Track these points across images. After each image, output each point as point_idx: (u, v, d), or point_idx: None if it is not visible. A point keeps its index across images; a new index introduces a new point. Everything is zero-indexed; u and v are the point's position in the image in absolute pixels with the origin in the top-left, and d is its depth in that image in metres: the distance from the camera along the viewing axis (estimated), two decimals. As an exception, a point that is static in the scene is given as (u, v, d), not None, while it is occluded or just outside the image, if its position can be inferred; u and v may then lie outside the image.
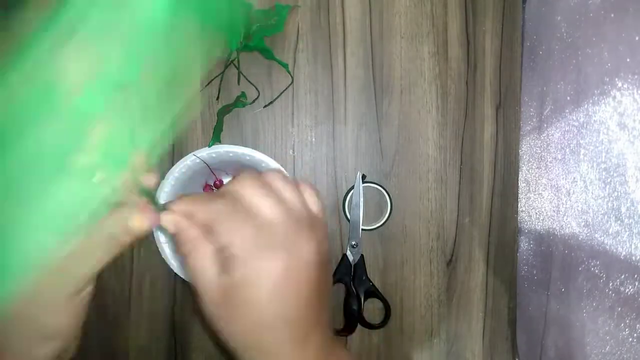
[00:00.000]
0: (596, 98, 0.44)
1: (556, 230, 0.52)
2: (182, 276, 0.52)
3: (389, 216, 0.58)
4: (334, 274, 0.58)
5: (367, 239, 0.59)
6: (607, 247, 0.42)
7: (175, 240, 0.29)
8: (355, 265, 0.57)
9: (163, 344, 0.59)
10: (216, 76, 0.57)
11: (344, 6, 0.58)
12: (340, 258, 0.58)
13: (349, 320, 0.58)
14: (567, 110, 0.49)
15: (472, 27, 0.59)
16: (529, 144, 0.59)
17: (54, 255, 0.27)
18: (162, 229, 0.30)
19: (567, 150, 0.50)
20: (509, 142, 0.60)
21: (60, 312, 0.29)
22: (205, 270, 0.28)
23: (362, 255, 0.58)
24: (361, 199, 0.56)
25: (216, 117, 0.56)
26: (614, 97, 0.41)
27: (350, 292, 0.58)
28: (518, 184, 0.61)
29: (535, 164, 0.58)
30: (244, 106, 0.57)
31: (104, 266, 0.29)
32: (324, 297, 0.31)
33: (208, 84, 0.57)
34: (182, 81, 0.31)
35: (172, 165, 0.52)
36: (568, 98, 0.49)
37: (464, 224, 0.60)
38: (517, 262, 0.61)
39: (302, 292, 0.29)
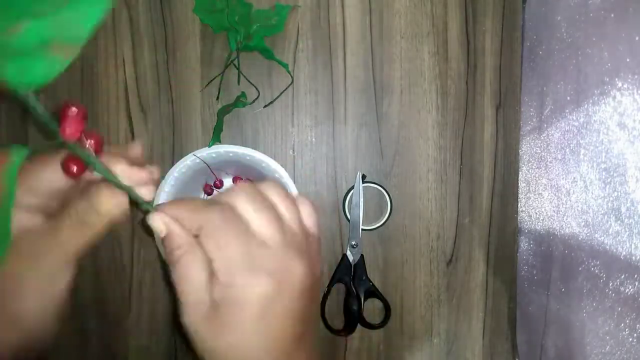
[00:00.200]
0: (596, 98, 0.44)
1: (556, 230, 0.52)
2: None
3: (389, 216, 0.58)
4: (334, 274, 0.58)
5: (367, 239, 0.59)
6: (607, 247, 0.42)
7: (164, 244, 0.27)
8: (355, 265, 0.57)
9: (163, 344, 0.59)
10: (216, 76, 0.57)
11: (344, 6, 0.58)
12: (340, 258, 0.58)
13: (349, 320, 0.58)
14: (567, 110, 0.49)
15: (472, 27, 0.59)
16: (529, 144, 0.59)
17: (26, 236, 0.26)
18: (149, 230, 0.27)
19: (567, 150, 0.50)
20: (509, 142, 0.60)
21: (32, 299, 0.28)
22: (195, 279, 0.27)
23: (362, 255, 0.58)
24: (361, 199, 0.56)
25: (216, 117, 0.56)
26: (614, 97, 0.41)
27: (350, 292, 0.58)
28: (518, 184, 0.61)
29: (535, 164, 0.58)
30: (244, 106, 0.57)
31: (79, 254, 0.27)
32: (310, 319, 0.30)
33: (208, 84, 0.57)
34: None
35: (172, 165, 0.52)
36: (568, 98, 0.49)
37: (464, 224, 0.60)
38: (517, 262, 0.61)
39: (289, 317, 0.28)
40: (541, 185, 0.56)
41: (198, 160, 0.51)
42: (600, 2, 0.43)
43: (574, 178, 0.48)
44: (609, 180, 0.42)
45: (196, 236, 0.27)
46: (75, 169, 0.26)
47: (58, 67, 0.21)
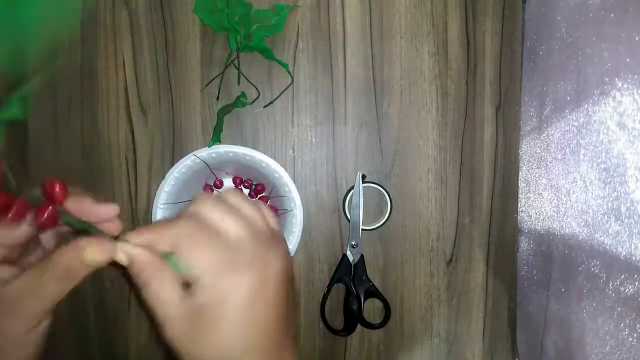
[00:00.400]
0: (596, 98, 0.44)
1: (556, 230, 0.52)
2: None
3: (389, 216, 0.58)
4: (334, 274, 0.58)
5: (367, 239, 0.59)
6: (607, 247, 0.42)
7: (130, 271, 0.28)
8: (355, 265, 0.57)
9: (163, 344, 0.59)
10: (216, 76, 0.57)
11: (344, 6, 0.58)
12: (340, 258, 0.58)
13: (349, 320, 0.58)
14: (567, 110, 0.49)
15: (472, 27, 0.59)
16: (529, 144, 0.59)
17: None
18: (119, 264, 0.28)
19: (567, 150, 0.50)
20: (509, 142, 0.60)
21: (11, 349, 0.28)
22: (166, 297, 0.27)
23: (362, 255, 0.58)
24: (361, 199, 0.56)
25: (216, 117, 0.56)
26: (614, 97, 0.41)
27: (350, 292, 0.58)
28: (518, 184, 0.61)
29: (535, 164, 0.58)
30: (244, 106, 0.57)
31: (59, 301, 0.28)
32: (291, 312, 0.31)
33: (208, 84, 0.57)
34: None
35: (172, 165, 0.52)
36: (568, 98, 0.49)
37: (464, 224, 0.60)
38: (517, 262, 0.61)
39: (271, 309, 0.29)
40: (541, 185, 0.56)
41: (198, 160, 0.51)
42: (600, 2, 0.43)
43: (574, 178, 0.48)
44: (608, 180, 0.42)
45: (172, 253, 0.28)
46: (45, 220, 0.27)
47: None
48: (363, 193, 0.56)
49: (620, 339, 0.40)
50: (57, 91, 0.57)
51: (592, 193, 0.45)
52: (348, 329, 0.58)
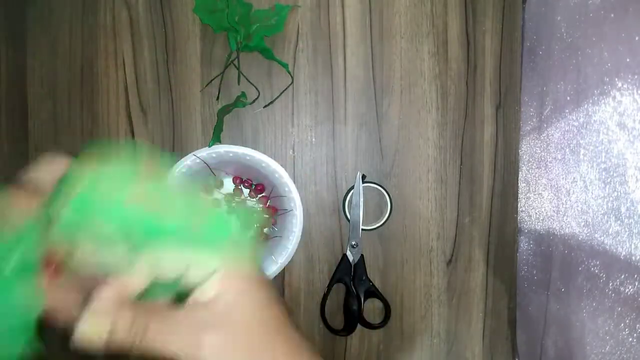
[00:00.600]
0: (596, 98, 0.44)
1: (556, 230, 0.52)
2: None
3: (389, 216, 0.58)
4: (334, 274, 0.58)
5: (367, 239, 0.59)
6: (607, 247, 0.42)
7: (117, 343, 0.25)
8: (355, 265, 0.57)
9: None
10: (216, 76, 0.57)
11: (344, 6, 0.58)
12: (340, 258, 0.58)
13: (349, 320, 0.58)
14: (567, 110, 0.49)
15: (472, 27, 0.59)
16: (529, 144, 0.59)
17: None
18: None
19: (567, 150, 0.50)
20: (509, 142, 0.60)
21: None
22: (174, 334, 0.25)
23: (362, 255, 0.58)
24: (361, 199, 0.56)
25: (216, 117, 0.56)
26: (614, 97, 0.41)
27: (350, 292, 0.58)
28: (518, 184, 0.61)
29: (535, 164, 0.58)
30: (244, 106, 0.57)
31: None
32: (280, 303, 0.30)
33: (208, 84, 0.57)
34: None
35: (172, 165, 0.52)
36: (568, 98, 0.49)
37: (464, 224, 0.60)
38: (517, 262, 0.61)
39: (267, 307, 0.28)
40: (541, 185, 0.56)
41: (198, 160, 0.51)
42: (600, 2, 0.43)
43: (574, 178, 0.48)
44: (608, 180, 0.42)
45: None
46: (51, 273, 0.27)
47: None
48: (363, 193, 0.56)
49: (620, 339, 0.40)
50: (57, 91, 0.57)
51: (592, 193, 0.45)
52: (348, 329, 0.58)
